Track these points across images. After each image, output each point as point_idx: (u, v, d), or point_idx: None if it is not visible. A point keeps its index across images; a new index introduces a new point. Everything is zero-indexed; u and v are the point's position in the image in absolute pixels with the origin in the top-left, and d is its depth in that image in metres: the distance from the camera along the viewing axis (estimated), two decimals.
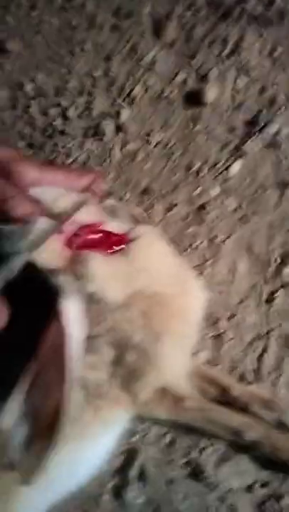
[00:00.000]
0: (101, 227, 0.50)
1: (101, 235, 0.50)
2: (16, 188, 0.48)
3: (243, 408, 0.53)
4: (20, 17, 1.04)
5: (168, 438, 0.54)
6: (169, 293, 0.51)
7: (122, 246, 0.50)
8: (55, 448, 0.47)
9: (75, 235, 0.48)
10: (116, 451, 0.53)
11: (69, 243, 0.48)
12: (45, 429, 0.46)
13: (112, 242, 0.50)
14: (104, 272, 0.48)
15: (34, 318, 0.46)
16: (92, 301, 0.47)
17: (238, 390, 0.54)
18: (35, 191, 0.52)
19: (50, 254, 0.47)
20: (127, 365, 0.50)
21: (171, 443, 0.53)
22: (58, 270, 0.47)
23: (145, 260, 0.50)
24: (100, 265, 0.48)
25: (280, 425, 0.51)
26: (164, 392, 0.53)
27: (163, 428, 0.55)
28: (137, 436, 0.54)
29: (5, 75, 0.97)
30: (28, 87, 0.93)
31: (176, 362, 0.52)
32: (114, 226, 0.52)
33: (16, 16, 1.04)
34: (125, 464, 0.52)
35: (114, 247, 0.50)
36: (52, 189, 0.53)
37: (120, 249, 0.50)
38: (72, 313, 0.46)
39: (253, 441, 0.50)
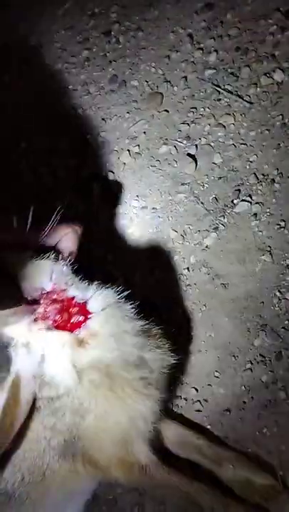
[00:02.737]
0: (63, 295, 0.52)
1: (62, 305, 0.52)
2: None
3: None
4: None
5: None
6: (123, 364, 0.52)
7: (82, 323, 0.52)
8: None
9: (38, 301, 0.50)
10: None
11: (31, 311, 0.50)
12: None
13: (71, 315, 0.52)
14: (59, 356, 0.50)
15: None
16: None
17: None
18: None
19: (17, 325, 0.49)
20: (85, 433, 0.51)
21: None
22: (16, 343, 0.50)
23: (102, 334, 0.52)
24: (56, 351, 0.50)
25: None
26: (124, 459, 0.53)
27: (133, 497, 0.55)
28: (105, 507, 0.54)
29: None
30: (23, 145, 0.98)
31: (133, 428, 0.53)
32: (76, 292, 0.53)
33: None
34: None
35: (74, 327, 0.52)
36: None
37: (80, 326, 0.52)
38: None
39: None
